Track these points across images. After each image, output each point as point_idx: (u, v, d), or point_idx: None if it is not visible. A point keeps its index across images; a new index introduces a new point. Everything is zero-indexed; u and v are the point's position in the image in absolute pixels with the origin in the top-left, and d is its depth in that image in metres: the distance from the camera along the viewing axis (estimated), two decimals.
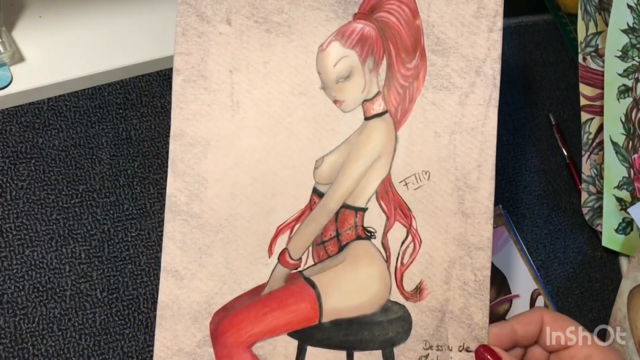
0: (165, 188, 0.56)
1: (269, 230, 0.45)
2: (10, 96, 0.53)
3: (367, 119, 0.46)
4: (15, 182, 0.53)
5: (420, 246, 0.46)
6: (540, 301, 0.61)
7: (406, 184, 0.46)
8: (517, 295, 0.61)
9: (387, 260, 0.46)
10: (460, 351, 0.45)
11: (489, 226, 0.46)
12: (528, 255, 0.63)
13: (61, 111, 0.56)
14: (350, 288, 0.45)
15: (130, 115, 0.57)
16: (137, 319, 0.52)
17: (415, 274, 0.46)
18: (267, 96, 0.46)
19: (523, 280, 0.62)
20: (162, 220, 0.55)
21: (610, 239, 0.66)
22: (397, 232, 0.46)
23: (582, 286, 0.66)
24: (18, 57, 0.54)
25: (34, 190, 0.53)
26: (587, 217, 0.67)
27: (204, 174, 0.45)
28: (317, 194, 0.46)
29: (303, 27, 0.46)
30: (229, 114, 0.46)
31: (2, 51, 0.53)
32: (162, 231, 0.55)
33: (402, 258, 0.46)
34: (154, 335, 0.52)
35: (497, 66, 0.47)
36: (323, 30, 0.46)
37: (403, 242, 0.46)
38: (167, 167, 0.46)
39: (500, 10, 0.47)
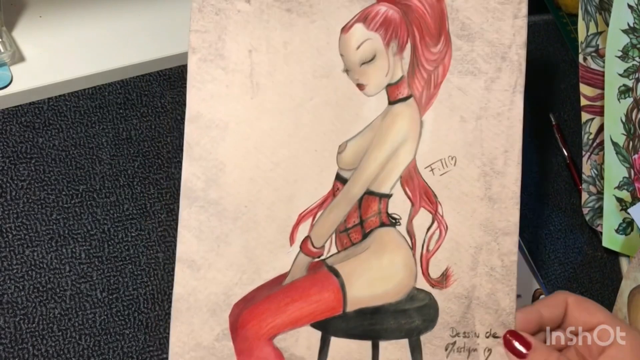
0: (165, 188, 0.56)
1: (291, 217, 0.44)
2: (10, 96, 0.53)
3: (391, 103, 0.45)
4: (15, 182, 0.53)
5: (446, 232, 0.45)
6: None
7: (432, 170, 0.45)
8: (518, 295, 0.61)
9: (413, 247, 0.45)
10: (488, 337, 0.45)
11: (515, 211, 0.46)
12: (528, 255, 0.63)
13: (61, 111, 0.56)
14: (375, 276, 0.44)
15: (130, 115, 0.57)
16: (137, 319, 0.52)
17: (441, 261, 0.45)
18: (289, 78, 0.44)
19: (524, 280, 0.62)
20: (163, 220, 0.55)
21: (611, 240, 0.66)
22: (423, 218, 0.45)
23: (582, 286, 0.66)
24: (18, 57, 0.54)
25: (34, 190, 0.53)
26: (587, 218, 0.67)
27: (222, 159, 0.43)
28: (340, 179, 0.45)
29: (325, 8, 0.45)
30: (249, 96, 0.44)
31: (2, 51, 0.53)
32: (162, 231, 0.55)
33: (428, 245, 0.45)
34: (154, 335, 0.52)
35: (523, 52, 0.47)
36: (346, 12, 0.45)
37: (428, 229, 0.45)
38: (167, 167, 0.46)
39: None
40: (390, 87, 0.45)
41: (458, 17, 0.46)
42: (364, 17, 0.45)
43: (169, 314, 0.53)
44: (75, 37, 0.56)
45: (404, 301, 0.45)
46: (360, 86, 0.45)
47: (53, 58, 0.55)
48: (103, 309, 0.52)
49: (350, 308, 0.44)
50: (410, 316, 0.44)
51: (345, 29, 0.45)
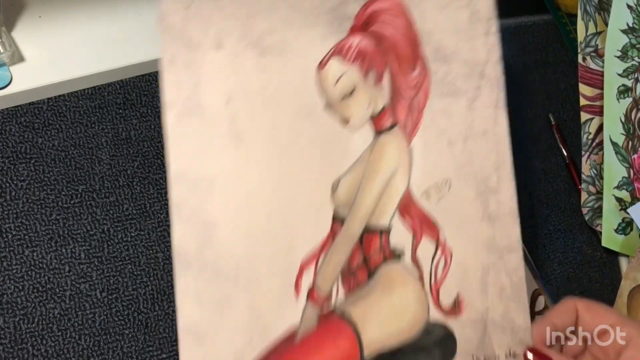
0: (165, 188, 0.56)
1: (293, 267, 0.42)
2: (10, 96, 0.53)
3: (377, 134, 0.45)
4: (15, 182, 0.53)
5: (451, 258, 0.44)
6: (540, 301, 0.61)
7: (428, 196, 0.45)
8: None
9: (421, 279, 0.44)
10: (507, 358, 0.44)
11: (516, 227, 0.45)
12: (528, 255, 0.63)
13: (61, 111, 0.56)
14: (387, 315, 0.43)
15: (130, 115, 0.57)
16: (137, 319, 0.52)
17: (451, 288, 0.44)
18: (271, 122, 0.43)
19: None
20: (162, 220, 0.55)
21: (610, 239, 0.66)
22: (426, 247, 0.44)
23: (582, 286, 0.66)
24: (18, 57, 0.54)
25: (33, 190, 0.53)
26: (586, 217, 0.67)
27: (213, 217, 0.41)
28: (338, 219, 0.43)
29: (299, 47, 0.44)
30: (233, 147, 0.42)
31: (2, 51, 0.53)
32: (161, 231, 0.55)
33: (435, 274, 0.44)
34: (153, 335, 0.52)
35: (499, 68, 0.46)
36: (319, 48, 0.44)
37: (434, 257, 0.44)
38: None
39: (494, 14, 0.46)
40: (374, 118, 0.45)
41: (431, 40, 0.46)
42: (339, 51, 0.44)
43: (169, 314, 0.53)
44: (74, 37, 0.56)
45: (420, 337, 0.43)
46: (344, 121, 0.44)
47: (53, 58, 0.55)
48: (103, 309, 0.52)
49: (367, 352, 0.42)
50: (430, 352, 0.43)
51: (321, 65, 0.44)
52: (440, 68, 0.46)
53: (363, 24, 0.45)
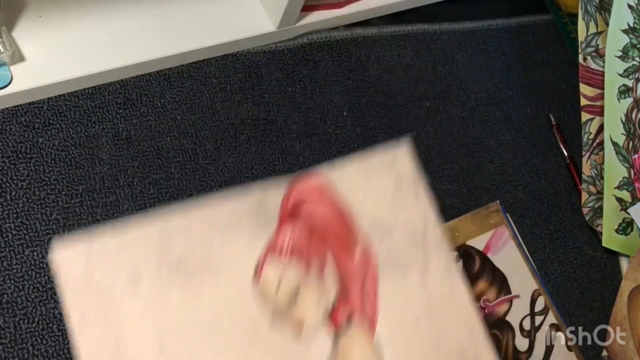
0: (165, 188, 0.56)
1: None
2: (10, 96, 0.53)
3: (336, 336, 0.40)
4: (15, 182, 0.53)
5: None
6: (540, 301, 0.61)
7: None
8: (517, 296, 0.61)
9: None
10: None
11: None
12: (528, 255, 0.63)
13: (61, 111, 0.56)
14: None
15: (130, 115, 0.57)
16: None
17: None
18: (216, 356, 0.37)
19: (523, 280, 0.61)
20: None
21: (610, 240, 0.66)
22: None
23: (582, 286, 0.66)
24: (18, 57, 0.54)
25: (34, 190, 0.53)
26: (587, 218, 0.67)
27: None
28: None
29: (226, 259, 0.39)
30: None
31: (2, 51, 0.53)
32: None
33: None
34: None
35: (439, 230, 0.43)
36: (250, 254, 0.39)
37: None
38: (167, 167, 0.45)
39: (418, 175, 0.44)
40: (330, 316, 0.40)
41: (364, 216, 0.42)
42: (272, 251, 0.40)
43: None
44: (75, 37, 0.56)
45: None
46: (298, 329, 0.39)
47: (53, 58, 0.55)
48: None
49: None
50: None
51: (257, 274, 0.39)
52: (381, 245, 0.42)
53: (290, 214, 0.41)
